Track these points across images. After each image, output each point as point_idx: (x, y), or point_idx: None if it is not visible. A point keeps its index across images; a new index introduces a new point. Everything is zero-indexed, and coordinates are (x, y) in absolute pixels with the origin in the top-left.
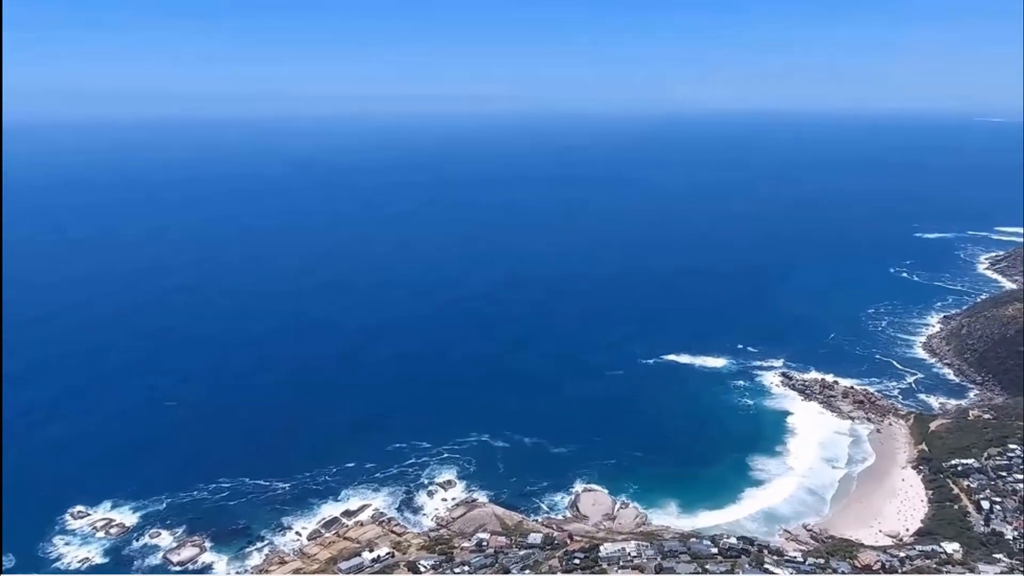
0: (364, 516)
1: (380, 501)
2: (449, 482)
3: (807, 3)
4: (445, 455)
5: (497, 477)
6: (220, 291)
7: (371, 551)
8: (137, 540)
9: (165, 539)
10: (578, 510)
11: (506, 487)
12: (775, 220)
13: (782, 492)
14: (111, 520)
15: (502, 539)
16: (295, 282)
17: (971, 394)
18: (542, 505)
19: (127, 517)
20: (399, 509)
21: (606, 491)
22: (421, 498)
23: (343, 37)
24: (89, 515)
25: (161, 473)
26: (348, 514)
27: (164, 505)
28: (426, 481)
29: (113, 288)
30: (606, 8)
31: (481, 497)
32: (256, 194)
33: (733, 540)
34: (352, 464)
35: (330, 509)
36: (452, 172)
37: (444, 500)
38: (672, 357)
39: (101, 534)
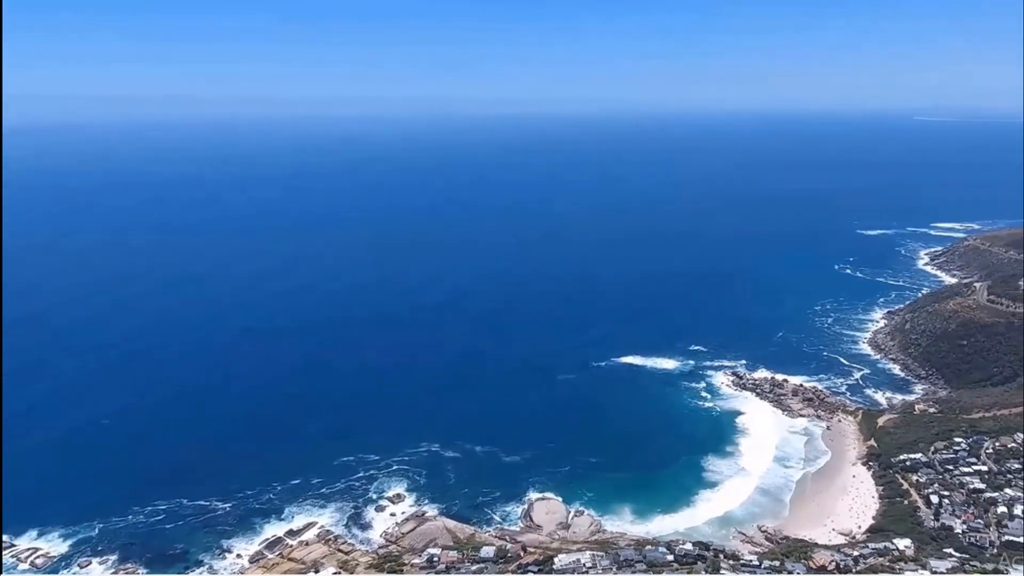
0: (309, 535)
1: (327, 518)
2: (398, 496)
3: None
4: (395, 467)
5: (448, 488)
6: (156, 307)
7: (316, 572)
8: (66, 570)
9: (96, 569)
10: (532, 520)
11: (458, 499)
12: (719, 219)
13: (736, 493)
14: (37, 550)
15: (453, 554)
16: (231, 294)
17: (916, 388)
18: (495, 516)
19: (55, 546)
20: (346, 526)
21: (560, 499)
22: (369, 514)
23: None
24: (14, 546)
25: (93, 497)
26: (293, 533)
27: (96, 531)
28: (375, 495)
29: (47, 302)
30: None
31: (432, 510)
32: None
33: (689, 546)
34: (297, 480)
35: (273, 529)
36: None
37: (393, 515)
38: (624, 359)
39: (25, 565)
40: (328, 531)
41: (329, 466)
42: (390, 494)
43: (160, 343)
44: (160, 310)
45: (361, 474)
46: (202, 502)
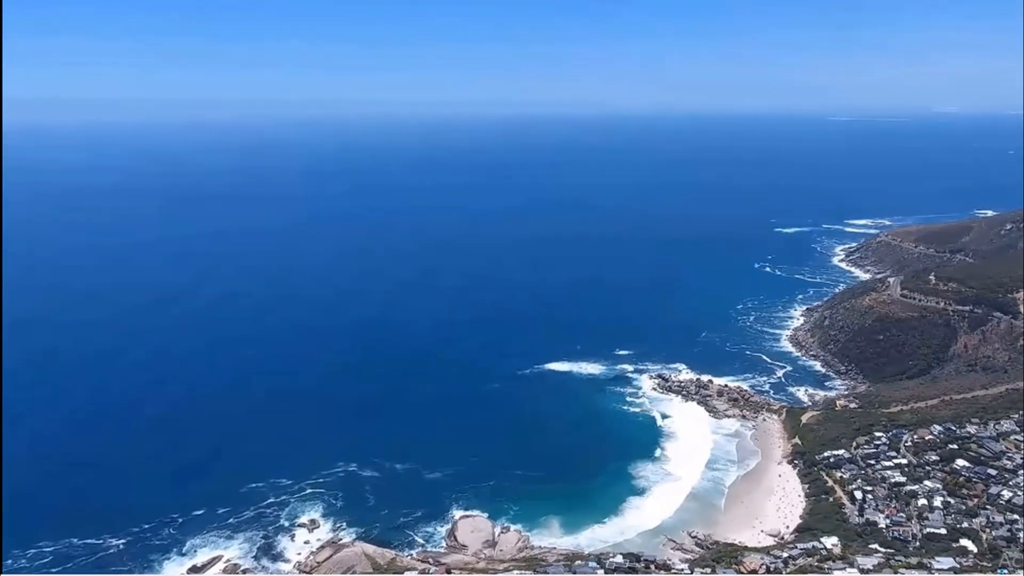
0: (214, 570)
1: (234, 550)
2: (313, 522)
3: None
4: (308, 491)
5: (367, 511)
6: (52, 323)
7: None
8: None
9: None
10: (456, 539)
11: (377, 521)
12: (638, 219)
13: (664, 499)
14: None
15: None
16: (129, 306)
17: (837, 384)
18: (417, 538)
19: None
20: (256, 558)
21: (485, 515)
22: (282, 543)
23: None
24: None
25: None
26: (196, 570)
27: None
28: (287, 523)
29: None
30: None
31: (349, 536)
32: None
33: (619, 559)
34: (201, 510)
35: (174, 567)
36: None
37: (307, 543)
38: (549, 366)
39: None
40: (236, 564)
41: (236, 493)
42: (304, 520)
43: (45, 365)
44: (52, 323)
45: (272, 500)
46: (92, 540)
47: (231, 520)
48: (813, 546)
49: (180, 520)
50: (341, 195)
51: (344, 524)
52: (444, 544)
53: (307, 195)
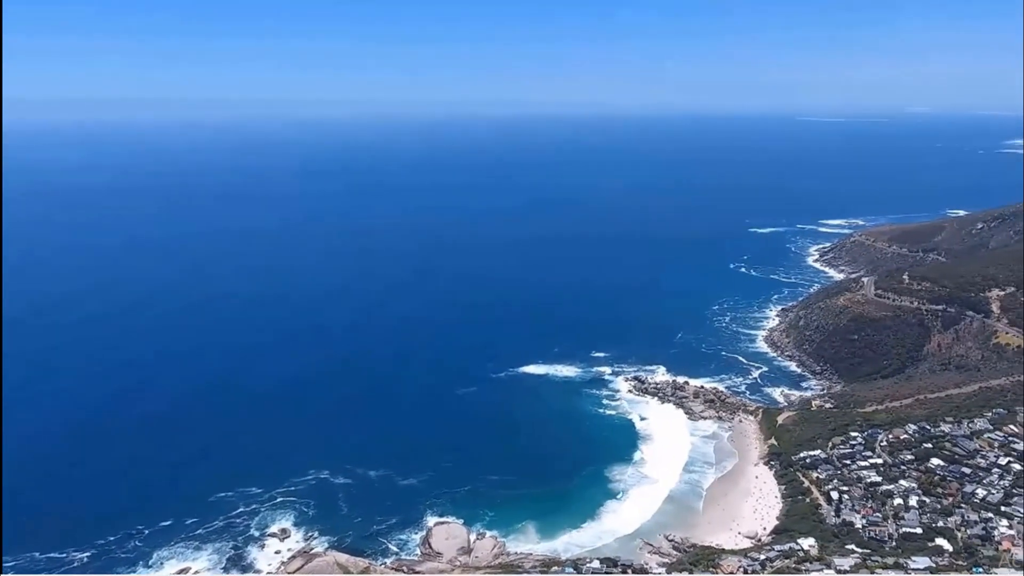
0: None
1: (203, 562)
2: (284, 531)
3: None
4: (279, 499)
5: (340, 519)
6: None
7: None
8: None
9: None
10: (431, 547)
11: (350, 529)
12: (613, 220)
13: (641, 502)
14: None
15: None
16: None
17: (812, 384)
18: (391, 546)
19: None
20: (225, 569)
21: (461, 522)
22: (252, 553)
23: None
24: None
25: None
26: None
27: None
28: (257, 532)
29: None
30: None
31: (322, 545)
32: None
33: (596, 563)
34: (168, 521)
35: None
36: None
37: (279, 553)
38: (524, 368)
39: None
40: None
41: (204, 503)
42: (275, 529)
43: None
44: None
45: (242, 509)
46: (56, 554)
47: (199, 531)
48: (790, 547)
49: (146, 532)
50: (334, 194)
51: (316, 533)
52: (418, 552)
53: (292, 195)
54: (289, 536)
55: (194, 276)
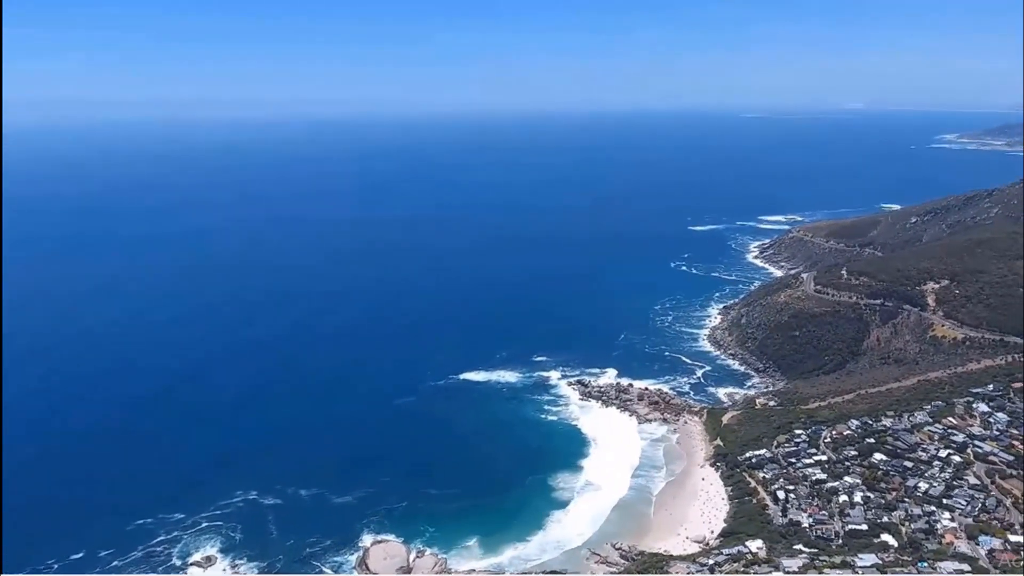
0: None
1: None
2: (209, 559)
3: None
4: (204, 524)
5: (270, 543)
6: None
7: None
8: None
9: None
10: (368, 568)
11: (281, 554)
12: (551, 219)
13: (587, 510)
14: None
15: None
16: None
17: (756, 382)
18: (325, 569)
19: None
20: None
21: (399, 540)
22: None
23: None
24: None
25: None
26: None
27: None
28: (179, 562)
29: None
30: None
31: (250, 571)
32: None
33: None
34: (79, 554)
35: None
36: None
37: None
38: (464, 375)
39: None
40: None
41: (120, 533)
42: (198, 557)
43: None
44: None
45: (163, 537)
46: None
47: (115, 563)
48: (738, 551)
49: (55, 566)
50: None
51: (244, 559)
52: (355, 574)
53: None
54: (214, 564)
55: (115, 286)
